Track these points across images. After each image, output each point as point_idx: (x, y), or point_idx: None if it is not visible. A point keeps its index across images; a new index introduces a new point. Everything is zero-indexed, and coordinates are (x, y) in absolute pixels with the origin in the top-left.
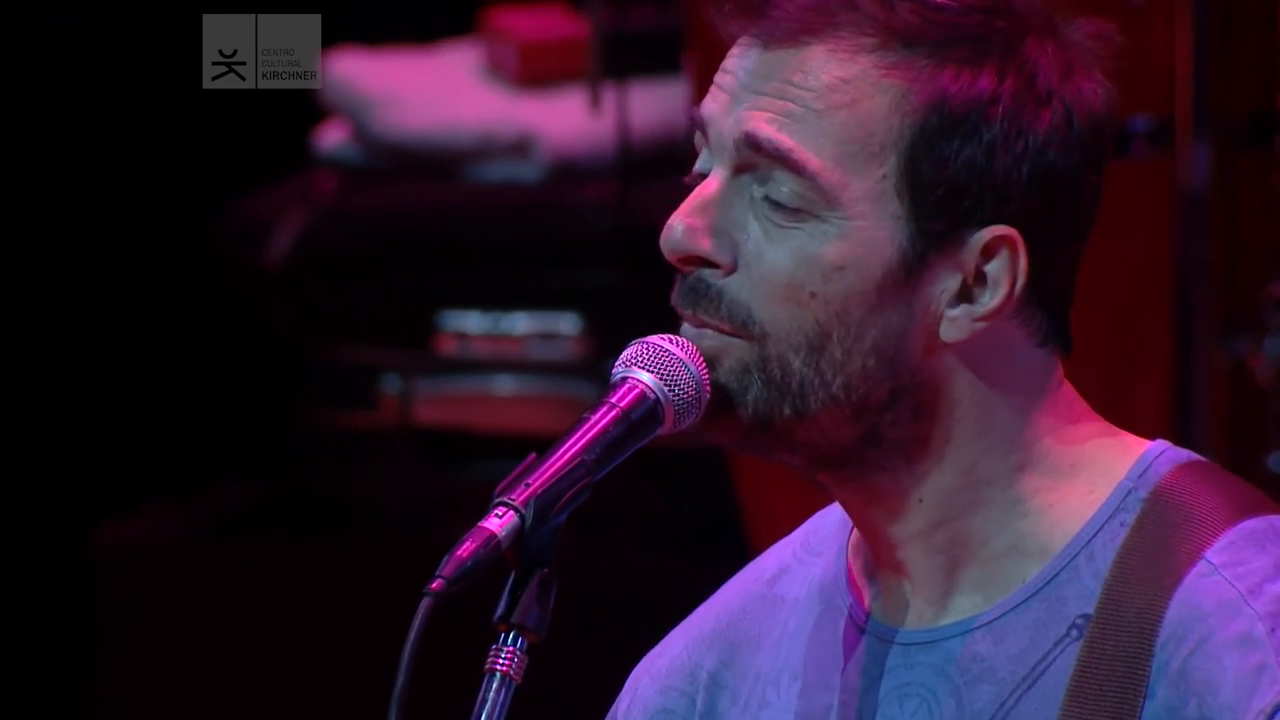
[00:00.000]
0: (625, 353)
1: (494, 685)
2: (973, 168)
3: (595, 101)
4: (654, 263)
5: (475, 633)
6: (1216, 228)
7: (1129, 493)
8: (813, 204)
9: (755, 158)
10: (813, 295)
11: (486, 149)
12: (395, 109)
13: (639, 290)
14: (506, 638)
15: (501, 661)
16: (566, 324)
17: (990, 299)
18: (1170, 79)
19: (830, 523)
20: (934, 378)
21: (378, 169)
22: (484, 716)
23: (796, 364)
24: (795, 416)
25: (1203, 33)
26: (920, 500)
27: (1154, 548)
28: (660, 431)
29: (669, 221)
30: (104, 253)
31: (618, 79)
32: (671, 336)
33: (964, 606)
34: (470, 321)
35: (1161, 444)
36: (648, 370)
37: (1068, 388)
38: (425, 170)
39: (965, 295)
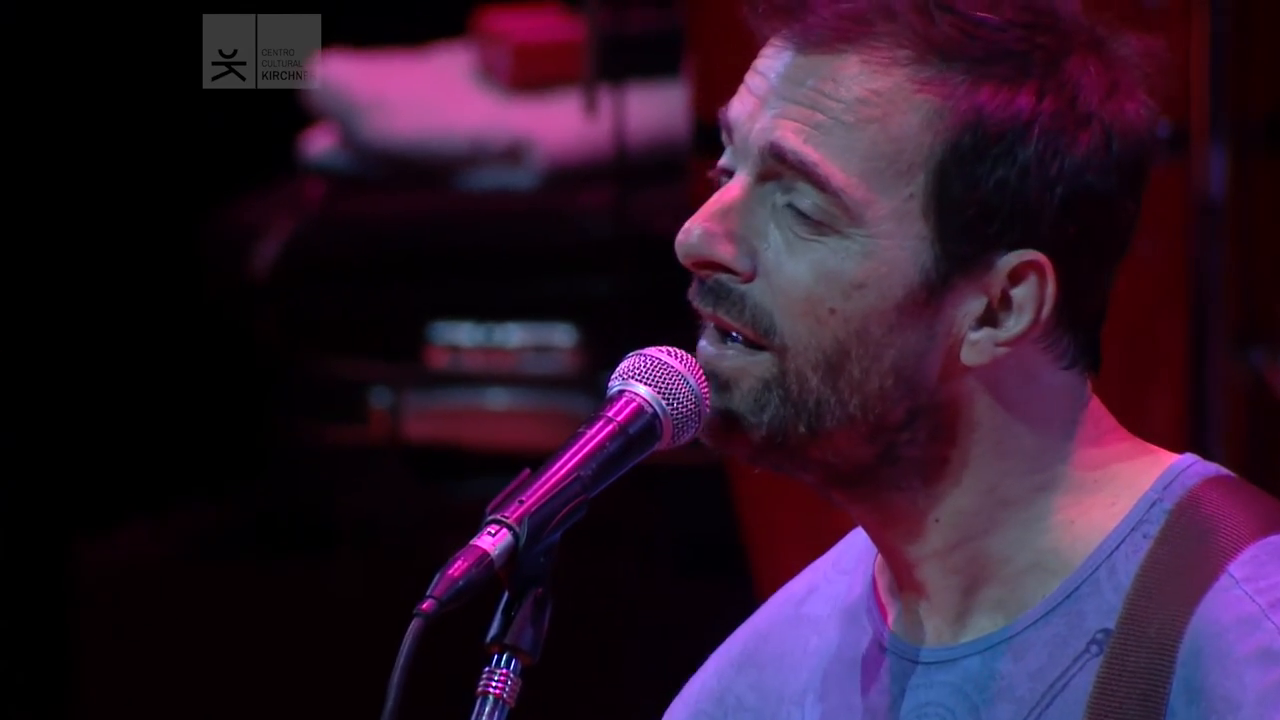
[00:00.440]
0: (622, 365)
1: (486, 709)
2: (1004, 190)
3: (591, 106)
4: (652, 273)
5: (467, 654)
6: (1233, 234)
7: (1153, 504)
8: (836, 219)
9: (780, 167)
10: (832, 312)
11: (479, 155)
12: (385, 114)
13: (637, 301)
14: (499, 660)
15: (494, 684)
16: (561, 336)
17: (1015, 324)
18: (1186, 83)
19: (861, 540)
20: (953, 400)
21: (367, 176)
22: None
23: (814, 381)
24: (810, 434)
25: (1219, 36)
26: (937, 520)
27: (1177, 561)
28: (658, 447)
29: (686, 225)
30: (86, 262)
31: (614, 82)
32: (670, 349)
33: (983, 624)
34: (462, 333)
35: (1190, 457)
36: (645, 383)
37: (1095, 405)
38: (416, 177)
39: (989, 319)
